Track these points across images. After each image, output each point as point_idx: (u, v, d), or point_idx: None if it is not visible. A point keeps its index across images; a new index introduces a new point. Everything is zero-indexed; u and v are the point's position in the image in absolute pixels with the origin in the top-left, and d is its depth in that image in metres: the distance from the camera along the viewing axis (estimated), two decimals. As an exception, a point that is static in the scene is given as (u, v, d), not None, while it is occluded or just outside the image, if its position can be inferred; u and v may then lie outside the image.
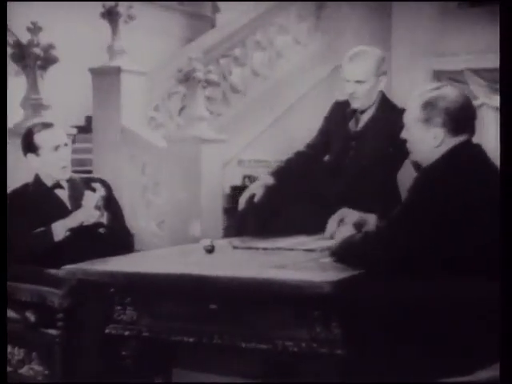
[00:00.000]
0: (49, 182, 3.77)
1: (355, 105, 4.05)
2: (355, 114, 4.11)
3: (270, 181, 4.08)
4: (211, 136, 6.70)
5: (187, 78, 6.66)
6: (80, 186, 3.80)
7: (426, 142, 3.00)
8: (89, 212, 3.60)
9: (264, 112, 8.14)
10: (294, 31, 8.68)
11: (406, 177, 4.03)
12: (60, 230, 3.55)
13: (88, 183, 3.83)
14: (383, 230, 2.93)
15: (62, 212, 3.66)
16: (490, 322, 2.63)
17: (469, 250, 2.78)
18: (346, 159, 4.09)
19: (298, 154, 4.23)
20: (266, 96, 8.20)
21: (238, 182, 7.78)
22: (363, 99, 4.02)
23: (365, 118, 4.08)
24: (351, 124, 4.10)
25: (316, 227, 3.88)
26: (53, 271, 3.32)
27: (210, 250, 3.33)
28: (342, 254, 3.01)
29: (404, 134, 3.12)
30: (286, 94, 8.45)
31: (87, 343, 3.26)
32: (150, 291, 3.04)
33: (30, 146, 3.74)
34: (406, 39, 9.99)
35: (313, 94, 8.77)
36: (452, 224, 2.79)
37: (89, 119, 7.46)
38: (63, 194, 3.77)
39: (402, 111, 3.95)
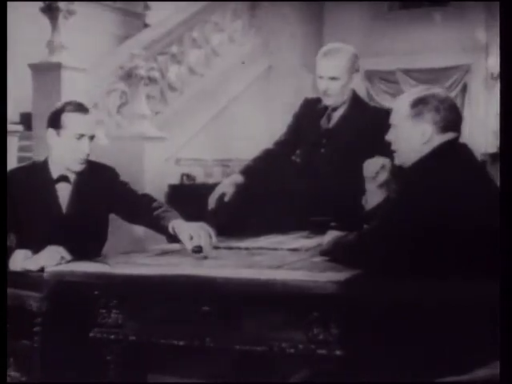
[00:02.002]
0: (55, 173, 3.46)
1: (328, 102, 4.01)
2: (326, 111, 4.06)
3: (240, 179, 4.01)
4: (154, 133, 6.61)
5: (129, 75, 6.56)
6: (87, 178, 3.51)
7: (414, 138, 2.98)
8: (50, 256, 3.22)
9: (201, 110, 8.10)
10: (229, 29, 8.67)
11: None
12: (18, 262, 3.25)
13: (95, 173, 3.55)
14: (376, 227, 2.89)
15: (55, 214, 3.45)
16: (487, 321, 2.63)
17: (462, 247, 2.77)
18: (316, 157, 4.05)
19: (266, 152, 4.17)
20: (203, 94, 8.18)
21: (176, 180, 7.72)
22: (336, 96, 3.98)
23: (337, 116, 4.05)
24: (323, 121, 4.06)
25: (288, 226, 3.85)
26: (31, 273, 3.17)
27: (198, 251, 3.18)
28: (336, 253, 2.96)
29: (390, 135, 3.10)
30: (222, 93, 8.43)
31: (67, 348, 3.12)
32: (138, 293, 2.93)
33: (55, 121, 3.42)
34: (338, 39, 9.98)
35: (248, 92, 8.76)
36: (442, 219, 2.78)
37: (24, 116, 7.25)
38: (66, 188, 3.49)
39: (373, 109, 4.00)
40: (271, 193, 4.06)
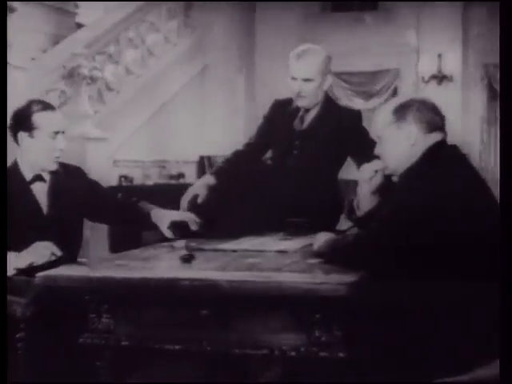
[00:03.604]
0: (28, 174, 3.36)
1: (301, 103, 3.98)
2: (298, 112, 4.05)
3: (212, 181, 3.97)
4: (97, 134, 6.50)
5: (71, 75, 6.43)
6: (62, 177, 3.43)
7: (400, 142, 2.98)
8: (40, 253, 3.17)
9: (138, 111, 8.02)
10: (165, 29, 8.60)
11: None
12: (10, 264, 3.11)
13: (68, 173, 3.48)
14: (375, 230, 2.89)
15: (35, 216, 3.34)
16: (487, 321, 2.65)
17: (460, 248, 2.79)
18: (289, 159, 4.03)
19: (237, 154, 4.14)
20: (139, 95, 8.08)
21: (114, 182, 7.62)
22: (310, 98, 3.96)
23: (310, 117, 4.03)
24: (296, 123, 4.03)
25: (261, 227, 3.82)
26: (15, 278, 3.06)
27: (188, 259, 3.05)
28: (333, 255, 2.94)
29: (377, 148, 3.10)
30: (159, 93, 8.37)
31: (53, 354, 3.03)
32: (132, 297, 2.85)
33: (25, 124, 3.32)
34: (270, 41, 10.09)
35: (184, 92, 8.71)
36: (438, 222, 2.79)
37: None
38: (42, 189, 3.39)
39: (346, 110, 4.01)
40: (243, 194, 4.02)
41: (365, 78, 10.16)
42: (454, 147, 3.03)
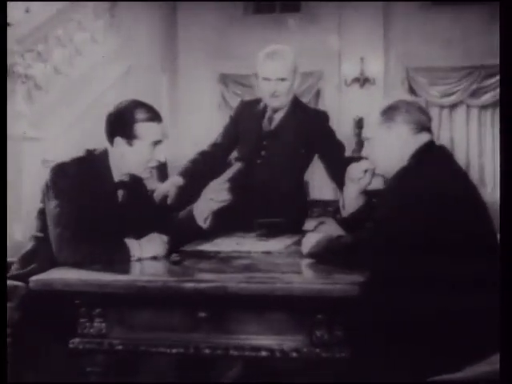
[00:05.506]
0: (116, 174, 3.20)
1: (274, 104, 3.99)
2: (266, 113, 4.05)
3: (180, 181, 3.95)
4: (33, 134, 6.38)
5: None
6: (139, 190, 3.34)
7: (391, 143, 3.03)
8: (158, 246, 3.15)
9: (66, 111, 7.87)
10: (92, 28, 8.48)
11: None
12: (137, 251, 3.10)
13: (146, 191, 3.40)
14: (371, 231, 2.91)
15: (112, 210, 3.20)
16: (489, 321, 2.69)
17: (454, 247, 2.83)
18: (257, 159, 4.03)
19: (203, 154, 4.13)
20: (67, 94, 7.93)
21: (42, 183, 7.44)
22: (284, 97, 3.97)
23: (278, 118, 4.04)
24: (264, 124, 4.04)
25: (231, 228, 3.81)
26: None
27: (178, 262, 3.02)
28: (329, 255, 2.95)
29: (365, 149, 3.14)
30: (86, 93, 8.24)
31: (41, 360, 2.96)
32: (126, 301, 2.80)
33: (125, 131, 3.13)
34: (193, 42, 10.07)
35: (111, 92, 8.60)
36: (434, 220, 2.84)
37: None
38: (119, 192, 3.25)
39: (313, 111, 4.04)
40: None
41: (287, 80, 10.18)
42: (442, 147, 3.09)
